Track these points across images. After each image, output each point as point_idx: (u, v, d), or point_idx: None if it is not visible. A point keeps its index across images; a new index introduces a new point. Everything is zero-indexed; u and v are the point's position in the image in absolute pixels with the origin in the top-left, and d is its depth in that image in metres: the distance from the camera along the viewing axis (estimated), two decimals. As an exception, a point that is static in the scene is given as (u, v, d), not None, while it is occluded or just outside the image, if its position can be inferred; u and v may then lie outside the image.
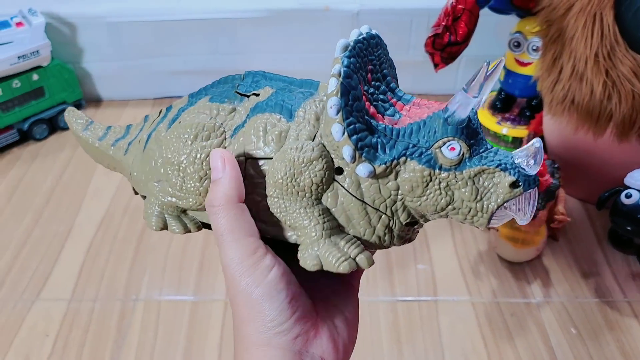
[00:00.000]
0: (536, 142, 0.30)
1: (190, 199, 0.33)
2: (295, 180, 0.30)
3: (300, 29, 1.15)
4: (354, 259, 0.31)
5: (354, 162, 0.30)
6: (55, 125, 1.14)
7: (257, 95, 0.34)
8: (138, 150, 0.37)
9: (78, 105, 1.19)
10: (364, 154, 0.29)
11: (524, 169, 0.29)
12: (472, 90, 0.29)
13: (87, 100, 1.22)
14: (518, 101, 1.08)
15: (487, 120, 1.05)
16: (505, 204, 0.30)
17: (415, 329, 0.78)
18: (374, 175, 0.30)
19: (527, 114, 1.03)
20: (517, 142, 1.03)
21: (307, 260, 0.31)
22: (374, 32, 0.32)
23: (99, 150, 0.40)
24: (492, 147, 0.30)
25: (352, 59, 0.29)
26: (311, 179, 0.30)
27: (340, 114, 0.29)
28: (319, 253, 0.31)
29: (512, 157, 0.30)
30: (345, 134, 0.29)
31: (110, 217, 0.95)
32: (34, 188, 1.02)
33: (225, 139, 0.33)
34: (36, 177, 1.04)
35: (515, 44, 0.97)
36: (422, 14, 1.12)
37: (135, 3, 1.14)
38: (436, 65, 0.82)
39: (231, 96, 0.35)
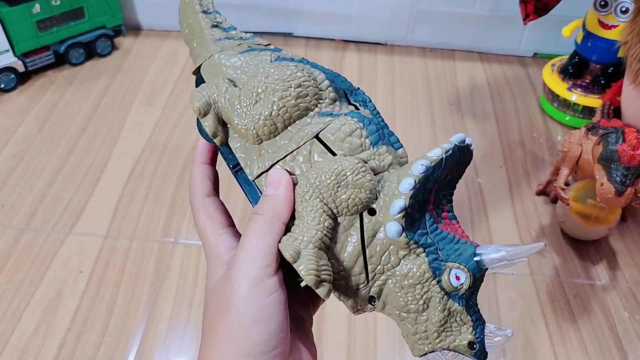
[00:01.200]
0: (509, 331, 0.31)
1: (237, 119, 0.33)
2: (337, 187, 0.30)
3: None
4: (321, 282, 0.29)
5: (386, 219, 0.30)
6: (92, 50, 1.07)
7: (357, 109, 0.34)
8: (229, 45, 0.37)
9: (118, 32, 1.12)
10: (405, 218, 0.30)
11: (489, 343, 0.30)
12: (510, 260, 0.30)
13: (127, 27, 1.15)
14: (591, 67, 1.00)
15: (556, 85, 0.97)
16: (450, 352, 0.30)
17: (471, 301, 0.73)
18: (393, 240, 0.30)
19: (602, 82, 0.95)
20: (587, 112, 0.96)
21: (289, 248, 0.29)
22: (464, 142, 0.32)
23: (209, 35, 0.39)
24: (478, 311, 0.31)
25: (449, 154, 0.31)
26: (349, 198, 0.30)
27: (417, 175, 0.30)
28: (302, 252, 0.30)
29: (487, 328, 0.31)
30: (409, 192, 0.30)
31: (149, 151, 0.89)
32: (68, 115, 0.96)
33: (313, 110, 0.33)
34: (72, 104, 0.98)
35: (602, 3, 0.88)
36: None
37: None
38: (527, 17, 0.74)
39: (340, 94, 0.35)
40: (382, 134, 0.33)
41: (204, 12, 0.41)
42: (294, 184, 0.32)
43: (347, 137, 0.32)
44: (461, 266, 0.30)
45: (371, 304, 0.32)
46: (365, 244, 0.31)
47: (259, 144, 0.33)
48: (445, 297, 0.30)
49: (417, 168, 0.30)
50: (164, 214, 0.80)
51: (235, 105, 0.33)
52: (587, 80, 0.98)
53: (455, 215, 0.33)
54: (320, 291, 0.29)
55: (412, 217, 0.30)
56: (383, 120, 0.35)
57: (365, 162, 0.31)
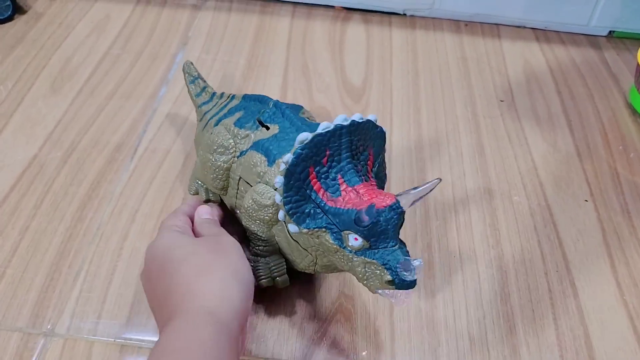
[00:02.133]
0: (416, 261, 0.37)
1: (207, 183, 0.49)
2: (255, 214, 0.43)
3: None
4: (274, 279, 0.45)
5: (285, 222, 0.41)
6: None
7: (268, 129, 0.46)
8: (201, 127, 0.53)
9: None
10: (294, 218, 0.39)
11: (403, 275, 0.36)
12: (403, 203, 0.38)
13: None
14: None
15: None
16: (379, 291, 0.37)
17: None
18: (297, 234, 0.41)
19: None
20: None
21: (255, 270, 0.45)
22: (357, 120, 0.39)
23: (194, 101, 0.56)
24: (395, 247, 0.37)
25: (304, 151, 0.38)
26: (264, 216, 0.43)
27: (280, 187, 0.38)
28: (252, 266, 0.43)
29: (398, 262, 0.37)
30: (282, 202, 0.39)
31: (37, 167, 0.57)
32: None
33: (234, 157, 0.46)
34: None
35: None
36: None
37: None
38: None
39: (252, 122, 0.47)
40: (278, 147, 0.43)
41: (192, 81, 0.57)
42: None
43: (252, 169, 0.44)
44: (350, 231, 0.37)
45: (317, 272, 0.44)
46: (294, 238, 0.42)
47: (225, 194, 0.49)
48: (356, 255, 0.37)
49: (278, 180, 0.39)
50: (34, 292, 0.48)
51: (201, 177, 0.50)
52: None
53: (356, 180, 0.39)
54: (280, 285, 0.45)
55: (303, 212, 0.39)
56: (291, 123, 0.45)
57: (267, 182, 0.43)
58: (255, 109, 0.48)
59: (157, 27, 0.77)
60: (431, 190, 0.41)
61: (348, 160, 0.39)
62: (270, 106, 0.47)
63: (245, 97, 0.51)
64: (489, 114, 0.68)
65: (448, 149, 0.63)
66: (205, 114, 0.53)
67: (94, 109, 0.64)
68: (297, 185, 0.38)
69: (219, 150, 0.46)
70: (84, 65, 0.70)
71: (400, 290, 0.36)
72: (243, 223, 0.45)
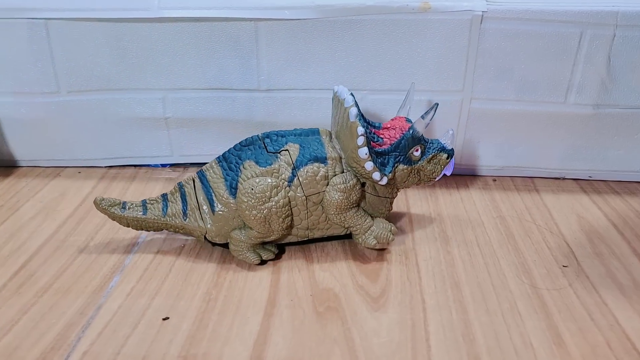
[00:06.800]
0: (450, 130, 0.52)
1: (274, 235, 0.51)
2: (348, 199, 0.50)
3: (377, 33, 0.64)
4: (391, 232, 0.53)
5: (371, 172, 0.49)
6: None
7: (287, 150, 0.50)
8: (204, 213, 0.51)
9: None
10: (383, 170, 0.50)
11: (449, 147, 0.52)
12: (425, 123, 0.50)
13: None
14: None
15: None
16: (437, 178, 0.53)
17: None
18: (387, 178, 0.50)
19: None
20: None
21: (369, 240, 0.52)
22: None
23: (149, 221, 0.52)
24: (429, 140, 0.52)
25: (359, 112, 0.48)
26: (356, 195, 0.51)
27: (366, 156, 0.48)
28: (374, 234, 0.52)
29: (440, 143, 0.52)
30: (368, 159, 0.48)
31: None
32: None
33: (285, 188, 0.49)
34: None
35: None
36: (597, 22, 0.61)
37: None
38: None
39: (268, 157, 0.50)
40: (314, 149, 0.51)
41: (123, 209, 0.53)
42: None
43: (315, 179, 0.50)
44: (413, 147, 0.51)
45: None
46: (375, 193, 0.52)
47: (288, 229, 0.52)
48: (421, 162, 0.52)
49: (361, 151, 0.48)
50: None
51: (261, 237, 0.51)
52: None
53: (378, 123, 0.52)
54: (394, 234, 0.53)
55: (381, 164, 0.50)
56: (295, 135, 0.52)
57: (334, 174, 0.50)
58: (254, 151, 0.51)
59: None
60: (435, 113, 0.50)
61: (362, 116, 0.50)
62: (263, 139, 0.51)
63: (230, 156, 0.52)
64: (553, 286, 0.50)
65: (510, 337, 0.44)
66: (184, 211, 0.52)
67: (14, 312, 0.47)
68: (370, 147, 0.49)
69: (274, 192, 0.49)
70: (17, 253, 0.54)
71: (451, 161, 0.53)
72: (337, 221, 0.51)
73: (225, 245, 0.53)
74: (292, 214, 0.50)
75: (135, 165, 0.72)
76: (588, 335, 0.45)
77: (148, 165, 0.72)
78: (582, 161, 0.69)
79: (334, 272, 0.52)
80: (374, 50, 0.63)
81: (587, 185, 0.69)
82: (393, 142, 0.50)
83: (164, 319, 0.46)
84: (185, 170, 0.72)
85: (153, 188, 0.67)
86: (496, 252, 0.55)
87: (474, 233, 0.58)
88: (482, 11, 0.60)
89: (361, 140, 0.47)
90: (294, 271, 0.52)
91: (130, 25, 0.63)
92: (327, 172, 0.50)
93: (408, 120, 0.52)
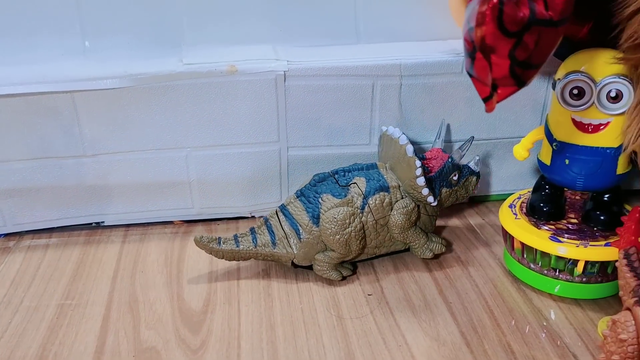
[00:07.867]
0: (476, 156, 0.66)
1: (352, 254, 0.61)
2: (409, 220, 0.61)
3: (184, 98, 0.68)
4: (441, 244, 0.64)
5: (427, 196, 0.61)
6: None
7: (355, 183, 0.61)
8: (293, 242, 0.61)
9: None
10: (431, 192, 0.61)
11: (476, 170, 0.65)
12: (461, 154, 0.64)
13: None
14: (569, 199, 0.64)
15: (532, 237, 0.58)
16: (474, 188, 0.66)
17: None
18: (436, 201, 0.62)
19: (602, 218, 0.58)
20: (600, 271, 0.57)
21: (426, 252, 0.63)
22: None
23: (242, 252, 0.61)
24: (463, 166, 0.65)
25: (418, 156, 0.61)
26: (415, 216, 0.62)
27: (423, 184, 0.60)
28: (430, 248, 0.63)
29: (471, 167, 0.65)
30: (425, 186, 0.60)
31: None
32: None
33: (359, 214, 0.60)
34: None
35: (575, 92, 0.54)
36: (389, 73, 0.69)
37: None
38: (491, 95, 0.36)
39: (340, 190, 0.61)
40: (379, 181, 0.62)
41: (219, 244, 0.62)
42: None
43: (382, 205, 0.61)
44: (452, 174, 0.64)
45: None
46: (427, 214, 0.64)
47: (361, 250, 0.63)
48: (458, 185, 0.64)
49: (420, 180, 0.61)
50: None
51: (341, 257, 0.61)
52: (574, 220, 0.60)
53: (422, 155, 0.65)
54: (443, 248, 0.65)
55: (432, 188, 0.63)
56: (358, 169, 0.63)
57: (397, 200, 0.62)
58: (328, 186, 0.61)
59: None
60: (470, 145, 0.66)
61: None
62: (334, 175, 0.62)
63: (307, 190, 0.62)
64: (356, 314, 0.57)
65: (312, 371, 0.50)
66: (273, 242, 0.61)
67: None
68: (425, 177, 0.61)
69: (352, 219, 0.59)
70: None
71: (478, 181, 0.66)
72: (400, 239, 0.62)
73: (306, 267, 0.63)
74: (365, 236, 0.60)
75: (-33, 239, 0.72)
76: (378, 358, 0.52)
77: (-19, 237, 0.72)
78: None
79: (159, 329, 0.56)
80: (192, 110, 0.68)
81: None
82: (436, 170, 0.62)
83: None
84: (21, 239, 0.72)
85: (-15, 262, 0.67)
86: (311, 288, 0.61)
87: (294, 272, 0.64)
88: (284, 70, 0.67)
89: (419, 171, 0.59)
90: (120, 334, 0.55)
91: (-58, 105, 0.63)
92: (391, 199, 0.61)
93: (444, 151, 0.64)
